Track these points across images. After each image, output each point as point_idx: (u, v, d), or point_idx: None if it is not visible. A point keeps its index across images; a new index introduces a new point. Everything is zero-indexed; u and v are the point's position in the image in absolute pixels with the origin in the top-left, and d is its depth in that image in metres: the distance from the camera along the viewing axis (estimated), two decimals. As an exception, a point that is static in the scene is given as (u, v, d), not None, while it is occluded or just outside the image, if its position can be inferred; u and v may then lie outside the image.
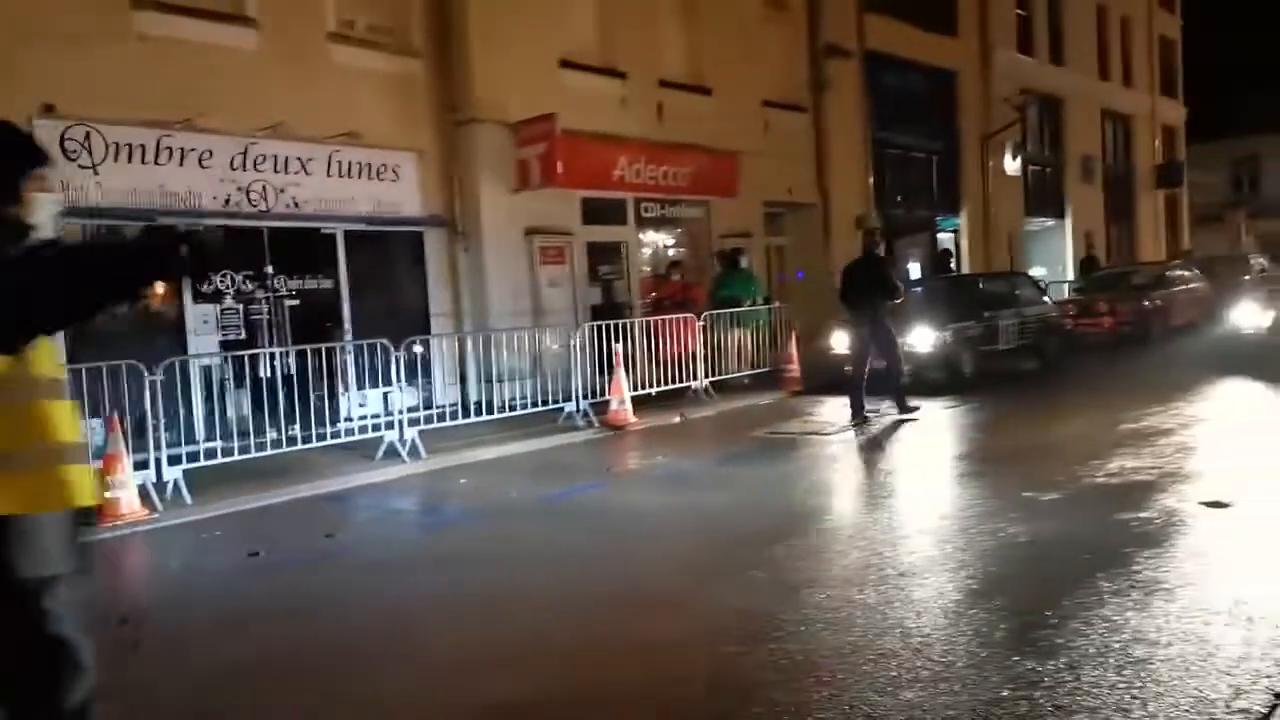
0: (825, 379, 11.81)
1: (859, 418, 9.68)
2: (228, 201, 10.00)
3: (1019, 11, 22.85)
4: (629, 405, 10.50)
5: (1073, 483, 6.41)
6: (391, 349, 8.98)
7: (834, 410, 10.47)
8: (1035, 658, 3.57)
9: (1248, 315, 12.33)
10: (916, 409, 9.90)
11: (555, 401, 10.45)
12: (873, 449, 8.62)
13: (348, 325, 10.93)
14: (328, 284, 10.96)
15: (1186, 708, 3.10)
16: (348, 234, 11.07)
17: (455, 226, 12.03)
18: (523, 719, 3.54)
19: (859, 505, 6.80)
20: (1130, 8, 27.68)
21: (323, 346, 9.02)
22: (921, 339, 11.47)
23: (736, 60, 15.22)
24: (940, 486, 7.05)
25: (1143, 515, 5.50)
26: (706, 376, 11.80)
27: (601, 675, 3.86)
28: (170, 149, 9.54)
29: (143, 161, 9.36)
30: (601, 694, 3.68)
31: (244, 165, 10.12)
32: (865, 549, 5.24)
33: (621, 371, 10.57)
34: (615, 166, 13.43)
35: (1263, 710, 3.05)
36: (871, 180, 18.22)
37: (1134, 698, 3.20)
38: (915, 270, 19.98)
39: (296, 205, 10.57)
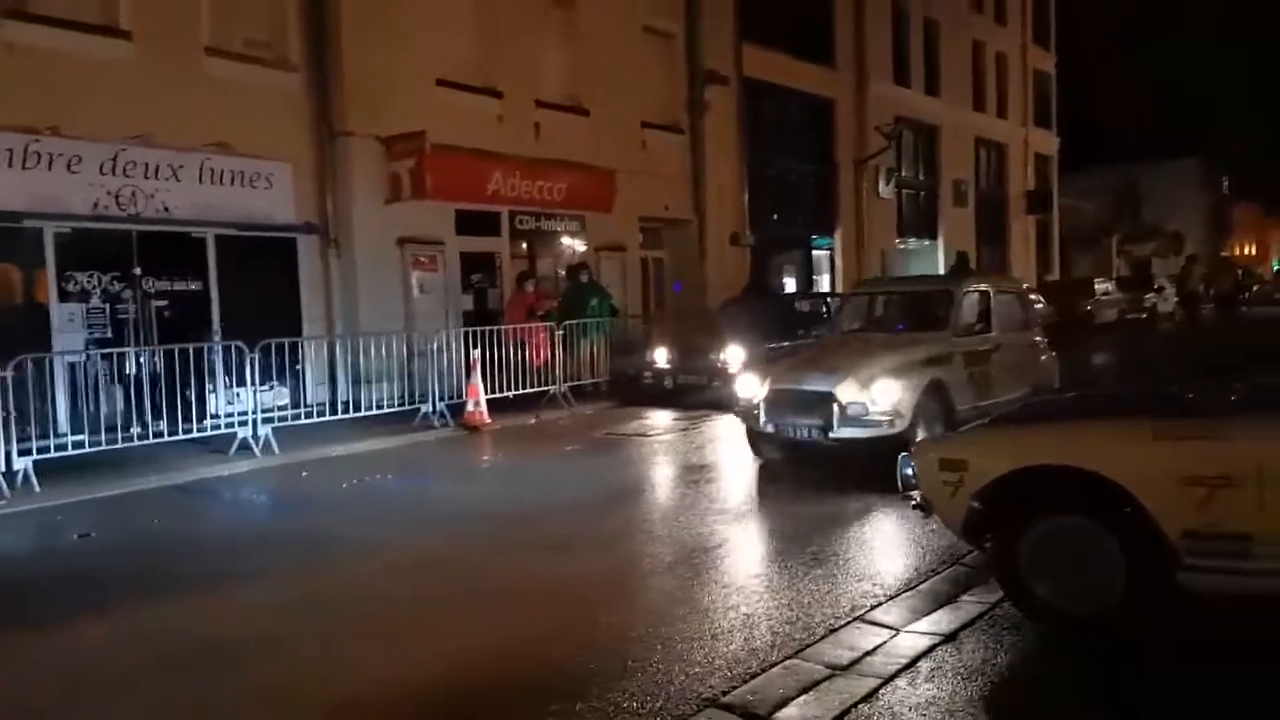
0: (648, 389, 12.72)
1: None
2: (96, 205, 10.49)
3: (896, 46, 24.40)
4: (484, 407, 11.29)
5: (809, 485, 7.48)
6: (246, 350, 9.62)
7: (662, 417, 11.58)
8: (669, 602, 4.59)
9: (746, 387, 8.55)
10: None
11: (421, 403, 11.20)
12: (682, 449, 9.63)
13: (216, 327, 11.47)
14: (197, 286, 11.50)
15: (755, 642, 4.13)
16: (219, 238, 11.62)
17: (328, 235, 12.68)
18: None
19: (652, 492, 7.78)
20: (1005, 44, 29.62)
21: (175, 347, 9.54)
22: (734, 358, 11.74)
23: (615, 82, 16.15)
24: (715, 482, 8.04)
25: (844, 509, 6.57)
26: (564, 382, 12.67)
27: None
28: (38, 154, 10.00)
29: (9, 166, 9.82)
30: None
31: (113, 170, 10.62)
32: (648, 529, 6.24)
33: (478, 375, 11.36)
34: (489, 181, 14.19)
35: (806, 640, 4.11)
36: (746, 199, 19.39)
37: (724, 632, 4.21)
38: (790, 284, 21.30)
39: (167, 210, 11.10)
